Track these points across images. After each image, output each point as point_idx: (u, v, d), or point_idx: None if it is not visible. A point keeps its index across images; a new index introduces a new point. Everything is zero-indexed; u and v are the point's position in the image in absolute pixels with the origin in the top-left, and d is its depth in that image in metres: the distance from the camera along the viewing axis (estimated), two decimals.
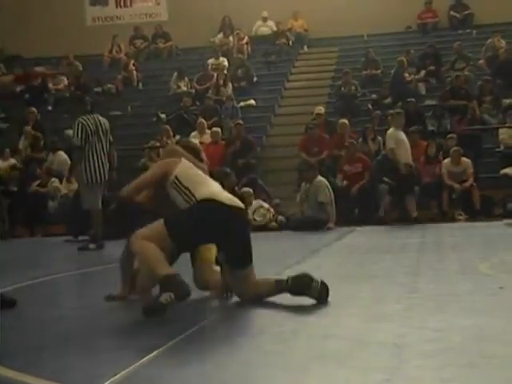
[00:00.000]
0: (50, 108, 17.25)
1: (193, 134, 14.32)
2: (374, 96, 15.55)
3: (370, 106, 15.11)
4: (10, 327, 4.05)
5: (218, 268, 4.69)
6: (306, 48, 18.81)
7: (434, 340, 3.24)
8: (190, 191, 4.33)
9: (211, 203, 4.29)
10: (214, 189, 4.45)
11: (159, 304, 3.89)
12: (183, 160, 4.54)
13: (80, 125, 9.03)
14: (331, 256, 7.71)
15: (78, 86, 17.19)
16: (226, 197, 4.41)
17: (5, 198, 13.30)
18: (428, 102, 14.84)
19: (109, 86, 17.66)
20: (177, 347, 3.32)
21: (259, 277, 4.44)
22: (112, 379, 2.76)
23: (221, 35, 18.76)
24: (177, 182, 4.37)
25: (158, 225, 4.21)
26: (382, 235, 10.13)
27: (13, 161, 14.33)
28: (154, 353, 3.15)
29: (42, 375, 2.83)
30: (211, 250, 4.64)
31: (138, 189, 4.54)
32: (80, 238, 10.13)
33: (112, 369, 2.88)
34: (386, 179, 12.08)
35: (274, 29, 18.98)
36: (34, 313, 4.42)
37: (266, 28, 19.08)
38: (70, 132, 12.19)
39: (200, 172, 4.54)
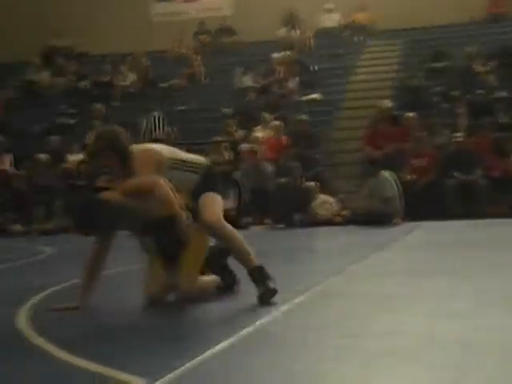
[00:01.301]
0: (117, 103, 17.50)
1: (257, 128, 14.34)
2: (440, 88, 15.31)
3: (436, 99, 14.87)
4: (77, 318, 4.12)
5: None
6: (372, 41, 18.63)
7: (502, 339, 3.17)
8: (191, 163, 4.56)
9: (211, 166, 4.73)
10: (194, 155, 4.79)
11: (273, 290, 4.24)
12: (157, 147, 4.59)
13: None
14: (398, 251, 7.62)
15: (144, 82, 17.41)
16: None
17: (74, 192, 13.55)
18: (498, 94, 14.50)
19: (174, 81, 17.82)
20: (246, 339, 3.32)
21: None
22: (180, 369, 2.78)
23: (285, 29, 18.72)
24: (176, 161, 4.47)
25: (215, 197, 4.47)
26: (450, 230, 9.97)
27: (81, 155, 14.58)
28: (223, 343, 3.16)
29: (109, 365, 2.86)
30: (199, 255, 4.59)
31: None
32: None
33: (180, 359, 2.90)
34: (455, 173, 11.90)
35: (339, 21, 18.86)
36: (99, 305, 4.47)
37: (331, 21, 18.97)
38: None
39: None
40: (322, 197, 11.98)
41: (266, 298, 4.21)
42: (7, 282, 6.23)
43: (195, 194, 4.49)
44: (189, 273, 4.45)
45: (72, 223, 4.59)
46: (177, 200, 4.28)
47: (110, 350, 3.24)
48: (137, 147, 4.47)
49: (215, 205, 4.48)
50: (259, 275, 4.33)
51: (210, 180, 4.57)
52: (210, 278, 4.71)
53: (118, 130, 4.50)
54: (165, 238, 4.40)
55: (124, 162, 4.33)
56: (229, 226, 4.48)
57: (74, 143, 15.01)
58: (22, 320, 3.99)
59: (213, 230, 4.43)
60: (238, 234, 4.51)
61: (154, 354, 3.12)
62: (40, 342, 3.40)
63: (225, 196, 4.68)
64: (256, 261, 4.44)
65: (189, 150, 5.16)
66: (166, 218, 4.24)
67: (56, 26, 19.90)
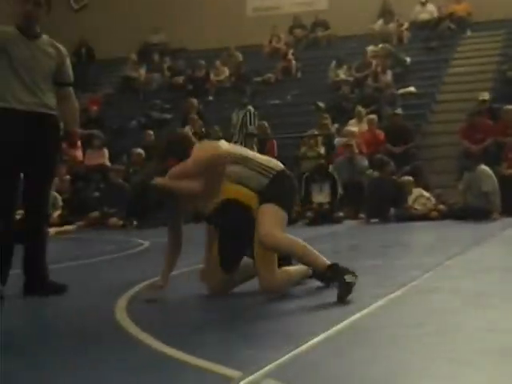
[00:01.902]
0: (211, 98, 17.70)
1: (351, 121, 14.26)
2: None
3: None
4: (172, 311, 4.18)
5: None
6: (469, 32, 18.20)
7: None
8: (259, 163, 4.40)
9: (285, 171, 4.48)
10: (269, 157, 4.63)
11: (349, 284, 4.09)
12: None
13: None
14: (496, 247, 7.43)
15: (238, 77, 17.55)
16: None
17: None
18: None
19: (268, 75, 17.89)
20: (339, 334, 3.30)
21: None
22: (274, 363, 2.78)
23: (381, 21, 18.51)
24: (237, 156, 4.37)
25: (274, 210, 4.26)
26: None
27: None
28: (314, 340, 3.15)
29: (203, 357, 2.89)
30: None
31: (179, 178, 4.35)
32: None
33: (273, 353, 2.90)
34: None
35: (434, 13, 18.52)
36: (190, 298, 4.53)
37: (426, 13, 18.64)
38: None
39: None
40: (418, 191, 11.80)
41: (344, 295, 4.08)
42: (106, 274, 6.39)
43: (261, 199, 4.34)
44: (266, 268, 4.33)
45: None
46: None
47: (202, 342, 3.28)
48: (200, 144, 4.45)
49: (272, 219, 4.24)
50: (333, 274, 4.18)
51: (277, 188, 4.36)
52: (298, 268, 4.61)
53: (183, 133, 4.49)
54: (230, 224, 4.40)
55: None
56: (285, 240, 4.25)
57: None
58: (120, 311, 4.08)
59: (266, 247, 4.23)
60: (299, 244, 4.28)
61: (246, 347, 3.13)
62: (136, 331, 3.46)
63: (291, 206, 4.47)
64: (326, 261, 4.28)
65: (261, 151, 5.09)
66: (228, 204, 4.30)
67: (152, 23, 20.28)
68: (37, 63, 4.78)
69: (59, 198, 12.99)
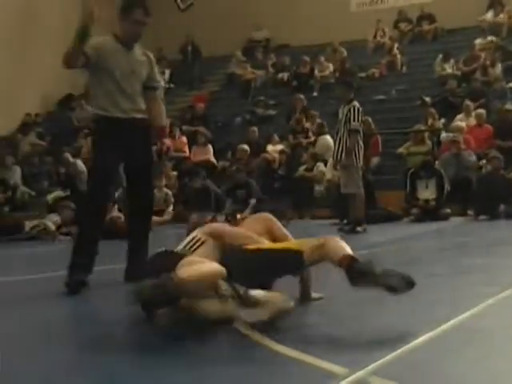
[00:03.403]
0: (315, 94, 17.69)
1: (458, 116, 13.97)
2: None
3: None
4: None
5: None
6: None
7: None
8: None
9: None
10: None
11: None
12: None
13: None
14: None
15: (342, 72, 17.47)
16: None
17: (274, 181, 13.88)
18: None
19: (373, 70, 17.74)
20: (443, 334, 3.25)
21: None
22: (380, 361, 2.78)
23: (491, 13, 18.02)
24: None
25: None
26: None
27: (280, 146, 14.90)
28: (420, 339, 3.12)
29: (311, 354, 2.92)
30: None
31: None
32: (345, 221, 10.30)
33: (379, 352, 2.90)
34: None
35: None
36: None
37: None
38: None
39: None
40: None
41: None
42: None
43: None
44: None
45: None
46: None
47: (310, 340, 3.30)
48: None
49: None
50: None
51: None
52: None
53: None
54: None
55: None
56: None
57: (274, 133, 15.35)
58: None
59: None
60: None
61: (353, 345, 3.14)
62: (248, 330, 3.51)
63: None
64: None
65: None
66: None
67: (256, 20, 20.43)
68: (134, 73, 5.17)
69: (170, 193, 13.24)
